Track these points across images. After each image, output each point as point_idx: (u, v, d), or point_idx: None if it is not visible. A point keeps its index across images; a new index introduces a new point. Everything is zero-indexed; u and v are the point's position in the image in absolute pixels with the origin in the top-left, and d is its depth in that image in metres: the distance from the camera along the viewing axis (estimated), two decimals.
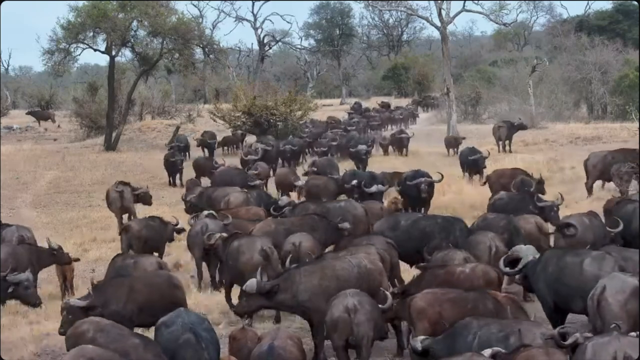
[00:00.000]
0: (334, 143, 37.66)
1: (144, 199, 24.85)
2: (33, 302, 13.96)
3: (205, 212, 18.39)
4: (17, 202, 29.89)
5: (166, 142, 39.98)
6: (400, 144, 39.34)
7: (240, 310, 12.67)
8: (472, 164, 30.39)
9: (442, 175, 23.03)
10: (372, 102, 72.40)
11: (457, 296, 11.28)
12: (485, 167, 29.83)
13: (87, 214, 27.13)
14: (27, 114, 63.57)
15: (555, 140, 42.46)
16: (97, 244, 22.00)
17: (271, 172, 31.22)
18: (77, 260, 16.95)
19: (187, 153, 39.22)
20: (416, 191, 22.42)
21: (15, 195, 31.03)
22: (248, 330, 11.45)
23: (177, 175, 32.71)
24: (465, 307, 10.99)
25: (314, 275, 12.39)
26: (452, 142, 39.55)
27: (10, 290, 13.60)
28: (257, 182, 25.60)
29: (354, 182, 23.21)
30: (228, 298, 15.31)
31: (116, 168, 37.60)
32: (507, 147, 39.88)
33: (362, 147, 33.46)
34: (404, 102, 71.61)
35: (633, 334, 9.53)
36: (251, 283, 12.35)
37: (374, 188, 22.44)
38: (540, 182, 23.66)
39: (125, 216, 23.87)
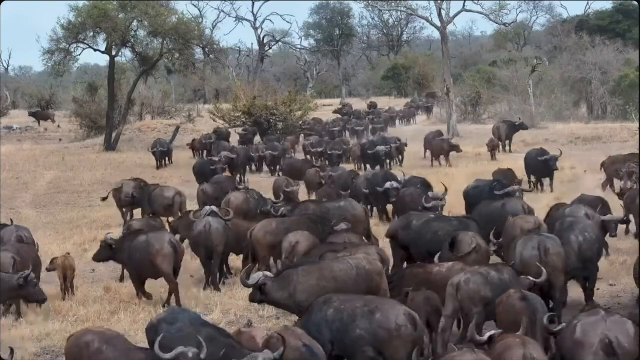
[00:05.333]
0: (338, 152, 35.02)
1: None
2: (41, 298, 13.97)
3: (207, 210, 18.38)
4: (17, 202, 29.89)
5: (149, 148, 39.15)
6: (440, 149, 36.01)
7: (252, 299, 12.92)
8: (543, 165, 27.78)
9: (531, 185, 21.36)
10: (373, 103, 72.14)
11: None
12: (557, 169, 27.74)
13: (87, 214, 27.12)
14: (29, 115, 63.19)
15: (555, 140, 42.44)
16: (97, 244, 21.73)
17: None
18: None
19: (169, 157, 38.35)
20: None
21: (15, 195, 31.03)
22: (243, 332, 11.41)
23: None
24: None
25: (312, 276, 12.40)
26: (495, 144, 37.59)
27: (21, 288, 13.60)
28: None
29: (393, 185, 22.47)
30: (143, 291, 16.03)
31: (116, 168, 37.57)
32: (507, 147, 39.89)
33: (382, 149, 32.46)
34: (404, 102, 71.43)
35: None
36: (254, 276, 12.49)
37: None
38: None
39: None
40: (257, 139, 43.73)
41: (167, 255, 15.65)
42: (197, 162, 32.94)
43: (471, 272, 12.18)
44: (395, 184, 22.68)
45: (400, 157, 35.64)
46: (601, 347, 9.24)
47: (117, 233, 21.44)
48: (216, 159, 31.99)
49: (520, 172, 27.52)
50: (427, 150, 37.39)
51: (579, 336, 9.45)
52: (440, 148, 35.89)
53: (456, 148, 35.73)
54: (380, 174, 24.54)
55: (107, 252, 16.69)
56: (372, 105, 65.28)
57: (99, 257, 16.98)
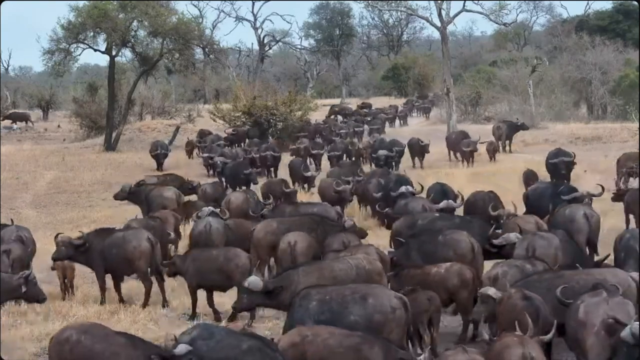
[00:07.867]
0: (337, 153, 34.77)
1: None
2: (42, 297, 13.96)
3: (207, 210, 18.40)
4: (17, 202, 29.91)
5: (150, 150, 38.25)
6: (468, 153, 35.06)
7: (239, 307, 12.88)
8: (554, 168, 26.67)
9: (603, 187, 19.65)
10: (373, 102, 72.01)
11: None
12: (565, 172, 26.41)
13: (87, 214, 27.14)
14: (3, 119, 61.14)
15: (555, 140, 42.40)
16: None
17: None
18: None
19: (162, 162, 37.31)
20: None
21: (15, 195, 31.05)
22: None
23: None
24: None
25: (312, 276, 12.43)
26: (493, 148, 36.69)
27: (24, 289, 13.61)
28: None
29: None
30: (105, 290, 16.07)
31: (116, 168, 37.60)
32: (507, 147, 39.88)
33: (382, 153, 31.82)
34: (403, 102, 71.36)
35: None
36: (255, 280, 12.46)
37: (442, 204, 19.20)
38: None
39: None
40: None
41: (144, 252, 15.66)
42: (228, 165, 31.88)
43: (507, 264, 12.47)
44: (410, 188, 21.49)
45: (421, 159, 35.37)
46: (603, 327, 9.43)
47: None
48: (205, 155, 32.92)
49: (520, 172, 27.56)
50: (455, 152, 37.08)
51: (581, 316, 9.68)
52: (469, 150, 35.40)
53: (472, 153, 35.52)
54: (392, 178, 23.45)
55: (69, 251, 16.16)
56: (366, 106, 64.92)
57: (58, 256, 16.29)
